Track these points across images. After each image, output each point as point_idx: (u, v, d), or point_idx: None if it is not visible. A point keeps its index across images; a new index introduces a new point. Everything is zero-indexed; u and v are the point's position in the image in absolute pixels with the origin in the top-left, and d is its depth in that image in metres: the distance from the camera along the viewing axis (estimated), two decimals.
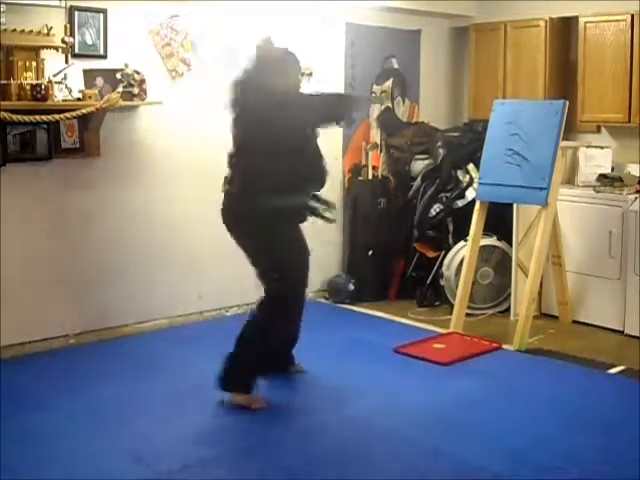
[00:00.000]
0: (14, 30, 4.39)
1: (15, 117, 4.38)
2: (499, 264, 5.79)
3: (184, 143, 5.34)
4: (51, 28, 4.49)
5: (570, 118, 5.42)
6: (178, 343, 5.03)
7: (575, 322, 5.56)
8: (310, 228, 4.19)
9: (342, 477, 3.35)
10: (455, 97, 7.01)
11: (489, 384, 4.40)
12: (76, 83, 4.71)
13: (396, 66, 6.58)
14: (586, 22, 5.82)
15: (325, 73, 6.03)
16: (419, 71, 6.75)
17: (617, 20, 5.63)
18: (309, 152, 4.00)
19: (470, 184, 5.93)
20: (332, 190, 6.12)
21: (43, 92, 4.43)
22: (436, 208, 6.03)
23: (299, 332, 4.31)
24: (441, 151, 6.13)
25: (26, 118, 4.43)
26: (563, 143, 5.09)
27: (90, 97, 4.66)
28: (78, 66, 4.72)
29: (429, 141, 6.29)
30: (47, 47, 4.52)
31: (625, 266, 5.24)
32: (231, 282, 5.52)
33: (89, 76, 4.79)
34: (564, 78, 6.18)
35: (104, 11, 4.86)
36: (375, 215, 6.18)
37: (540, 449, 3.55)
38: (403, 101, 6.65)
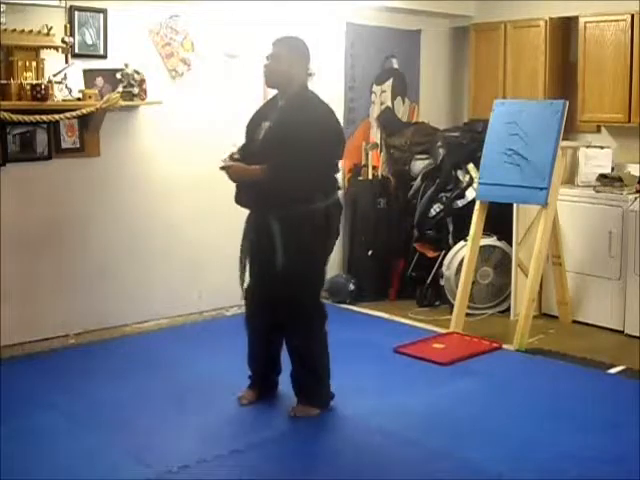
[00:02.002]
0: (14, 30, 4.39)
1: (15, 117, 4.38)
2: (499, 264, 5.78)
3: (184, 143, 5.34)
4: (51, 28, 4.50)
5: (570, 118, 5.42)
6: (178, 343, 5.03)
7: (575, 322, 5.55)
8: None
9: (342, 477, 3.35)
10: (455, 97, 7.01)
11: (489, 384, 4.41)
12: (76, 83, 4.71)
13: (396, 66, 6.57)
14: (586, 22, 5.82)
15: (325, 73, 6.03)
16: (419, 71, 6.75)
17: (617, 20, 5.63)
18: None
19: (470, 184, 5.92)
20: None
21: (43, 92, 4.43)
22: (436, 208, 6.02)
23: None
24: (441, 151, 6.12)
25: (26, 118, 4.43)
26: (563, 143, 5.09)
27: (90, 97, 4.66)
28: (78, 66, 4.72)
29: (429, 141, 6.29)
30: (47, 47, 4.53)
31: (625, 266, 5.24)
32: (231, 282, 5.49)
33: (89, 76, 4.79)
34: (564, 78, 6.18)
35: (104, 11, 4.86)
36: (375, 215, 6.17)
37: (540, 449, 3.55)
38: (403, 101, 6.65)
